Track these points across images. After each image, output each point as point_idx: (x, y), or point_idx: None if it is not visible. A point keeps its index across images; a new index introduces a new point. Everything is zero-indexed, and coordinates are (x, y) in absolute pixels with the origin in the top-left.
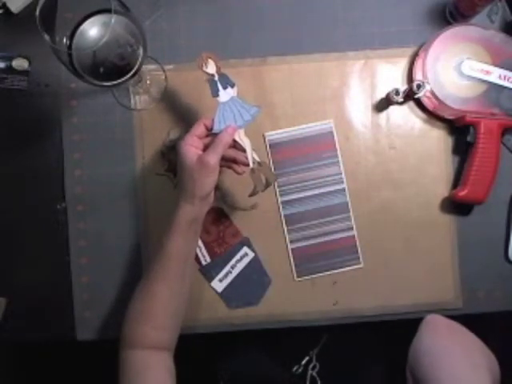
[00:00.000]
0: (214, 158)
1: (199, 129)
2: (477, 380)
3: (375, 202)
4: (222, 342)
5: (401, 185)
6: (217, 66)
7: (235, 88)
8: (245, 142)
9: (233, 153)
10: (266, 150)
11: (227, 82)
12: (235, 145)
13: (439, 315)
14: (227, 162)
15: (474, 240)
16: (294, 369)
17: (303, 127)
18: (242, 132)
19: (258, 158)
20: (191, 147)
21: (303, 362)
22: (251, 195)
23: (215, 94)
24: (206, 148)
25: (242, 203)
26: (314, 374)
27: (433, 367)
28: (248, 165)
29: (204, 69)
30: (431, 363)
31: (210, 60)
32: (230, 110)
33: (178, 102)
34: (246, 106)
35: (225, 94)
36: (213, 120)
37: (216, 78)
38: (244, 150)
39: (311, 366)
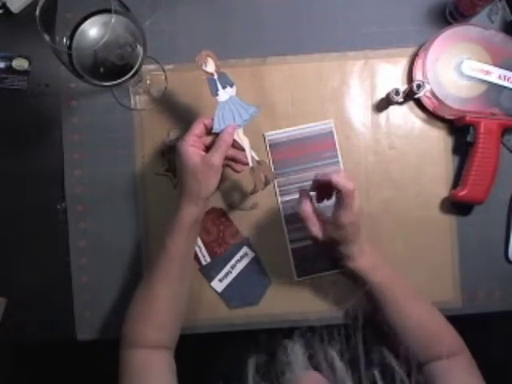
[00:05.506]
0: (218, 159)
1: (199, 128)
2: None
3: (375, 202)
4: (222, 342)
5: (401, 185)
6: (216, 65)
7: (234, 87)
8: (244, 141)
9: (232, 152)
10: (266, 149)
11: (226, 82)
12: (234, 144)
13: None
14: (226, 160)
15: (474, 240)
16: None
17: (303, 127)
18: (240, 131)
19: (256, 157)
20: (193, 148)
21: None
22: (252, 193)
23: (214, 93)
24: (205, 147)
25: (241, 203)
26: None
27: None
28: (247, 164)
29: (203, 67)
30: None
31: (209, 59)
32: (229, 109)
33: (178, 102)
34: (245, 105)
35: (224, 94)
36: (212, 119)
37: (215, 76)
38: (243, 149)
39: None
